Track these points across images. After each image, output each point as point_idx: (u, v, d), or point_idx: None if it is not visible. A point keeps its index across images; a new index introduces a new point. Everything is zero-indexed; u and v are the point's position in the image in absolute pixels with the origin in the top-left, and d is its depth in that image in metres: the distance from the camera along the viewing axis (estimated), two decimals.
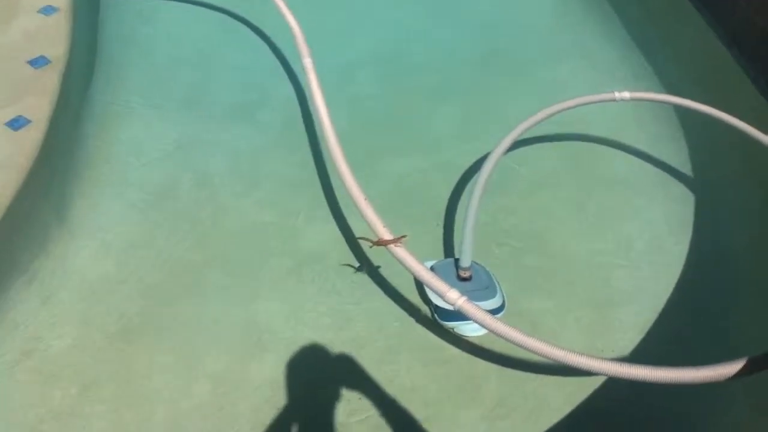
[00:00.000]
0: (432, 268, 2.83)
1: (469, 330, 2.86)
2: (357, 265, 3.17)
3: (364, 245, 3.11)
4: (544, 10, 5.01)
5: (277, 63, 4.47)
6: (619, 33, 4.67)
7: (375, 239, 2.45)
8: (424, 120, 4.02)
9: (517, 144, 3.31)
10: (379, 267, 3.14)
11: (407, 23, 4.79)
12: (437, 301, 2.64)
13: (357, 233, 3.26)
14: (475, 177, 3.20)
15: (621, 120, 3.95)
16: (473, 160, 3.67)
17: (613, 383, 2.58)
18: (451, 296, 2.27)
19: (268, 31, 4.76)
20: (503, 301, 2.88)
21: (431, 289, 2.34)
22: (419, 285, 3.02)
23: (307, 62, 3.23)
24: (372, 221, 2.51)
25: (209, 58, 4.55)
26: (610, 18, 4.81)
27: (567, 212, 3.52)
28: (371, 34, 4.68)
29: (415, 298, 3.04)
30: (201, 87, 4.28)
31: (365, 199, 2.54)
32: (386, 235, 2.46)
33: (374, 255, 3.16)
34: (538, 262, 3.25)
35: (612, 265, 3.24)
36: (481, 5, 5.04)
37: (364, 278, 3.14)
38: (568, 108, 3.46)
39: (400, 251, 2.44)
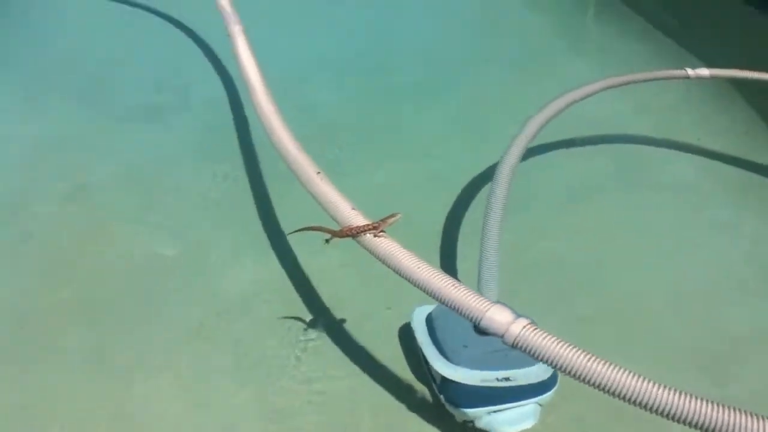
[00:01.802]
0: (430, 317, 2.17)
1: (502, 422, 2.03)
2: (308, 318, 2.42)
3: (312, 249, 2.47)
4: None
5: (205, 61, 3.91)
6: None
7: (337, 228, 1.78)
8: (402, 124, 3.54)
9: (539, 149, 2.94)
10: (343, 321, 2.42)
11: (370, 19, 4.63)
12: (444, 367, 1.99)
13: (305, 265, 2.59)
14: (480, 191, 2.89)
15: (669, 114, 3.60)
16: (476, 170, 3.09)
17: None
18: (496, 319, 1.48)
19: (192, 22, 4.28)
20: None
21: (457, 307, 1.54)
22: (408, 346, 2.30)
23: (235, 30, 2.77)
24: (330, 199, 1.82)
25: (115, 51, 4.03)
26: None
27: (622, 232, 2.87)
28: (325, 32, 4.49)
29: (401, 369, 2.27)
30: (96, 79, 3.69)
31: (318, 173, 1.92)
32: (356, 218, 1.71)
33: (333, 300, 2.49)
34: (593, 305, 2.51)
35: (710, 303, 2.53)
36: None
37: (317, 340, 2.36)
38: (611, 87, 2.89)
39: (384, 244, 1.63)
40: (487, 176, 2.87)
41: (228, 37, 2.82)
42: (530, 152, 2.66)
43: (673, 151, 3.32)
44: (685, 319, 2.45)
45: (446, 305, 1.57)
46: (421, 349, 2.08)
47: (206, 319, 2.40)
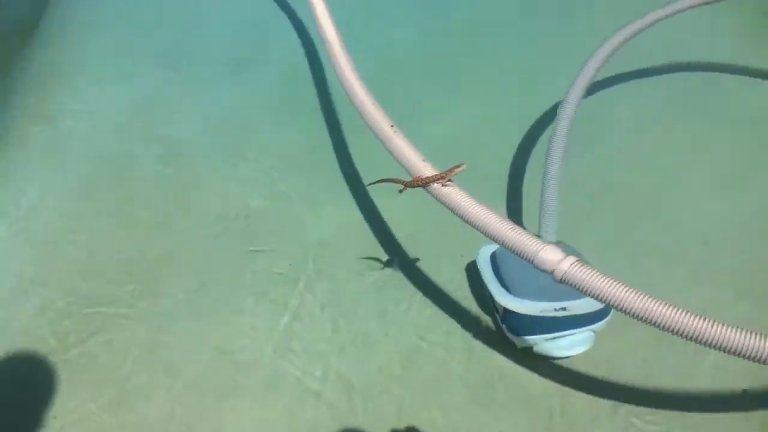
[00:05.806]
0: (494, 255, 2.20)
1: (559, 347, 2.08)
2: (385, 258, 2.47)
3: (388, 196, 2.43)
4: None
5: (280, 14, 3.77)
6: None
7: (408, 180, 1.83)
8: (469, 65, 3.40)
9: (606, 82, 2.79)
10: (417, 260, 2.47)
11: None
12: (507, 299, 2.03)
13: (383, 212, 2.62)
14: (547, 129, 2.75)
15: (741, 39, 3.29)
16: (540, 110, 2.98)
17: None
18: (547, 258, 1.56)
19: None
20: None
21: (514, 248, 1.61)
22: (474, 281, 2.35)
23: None
24: (403, 152, 1.87)
25: (193, 9, 3.87)
26: None
27: (687, 162, 2.77)
28: None
29: (468, 302, 2.33)
30: (179, 40, 3.57)
31: (391, 126, 1.92)
32: (426, 170, 1.79)
33: (408, 241, 2.54)
34: (655, 235, 2.49)
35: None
36: None
37: (394, 276, 2.43)
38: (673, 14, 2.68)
39: (451, 193, 1.74)
40: (550, 117, 2.76)
41: None
42: (598, 85, 2.54)
43: (754, 80, 3.06)
44: (740, 253, 2.39)
45: (505, 246, 1.62)
46: (485, 284, 2.13)
47: (292, 264, 2.44)
